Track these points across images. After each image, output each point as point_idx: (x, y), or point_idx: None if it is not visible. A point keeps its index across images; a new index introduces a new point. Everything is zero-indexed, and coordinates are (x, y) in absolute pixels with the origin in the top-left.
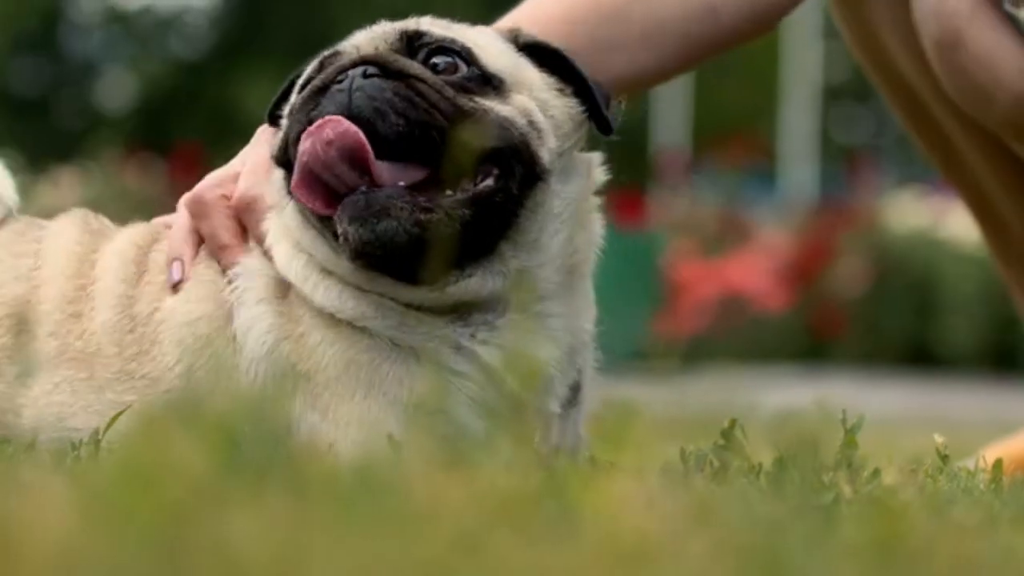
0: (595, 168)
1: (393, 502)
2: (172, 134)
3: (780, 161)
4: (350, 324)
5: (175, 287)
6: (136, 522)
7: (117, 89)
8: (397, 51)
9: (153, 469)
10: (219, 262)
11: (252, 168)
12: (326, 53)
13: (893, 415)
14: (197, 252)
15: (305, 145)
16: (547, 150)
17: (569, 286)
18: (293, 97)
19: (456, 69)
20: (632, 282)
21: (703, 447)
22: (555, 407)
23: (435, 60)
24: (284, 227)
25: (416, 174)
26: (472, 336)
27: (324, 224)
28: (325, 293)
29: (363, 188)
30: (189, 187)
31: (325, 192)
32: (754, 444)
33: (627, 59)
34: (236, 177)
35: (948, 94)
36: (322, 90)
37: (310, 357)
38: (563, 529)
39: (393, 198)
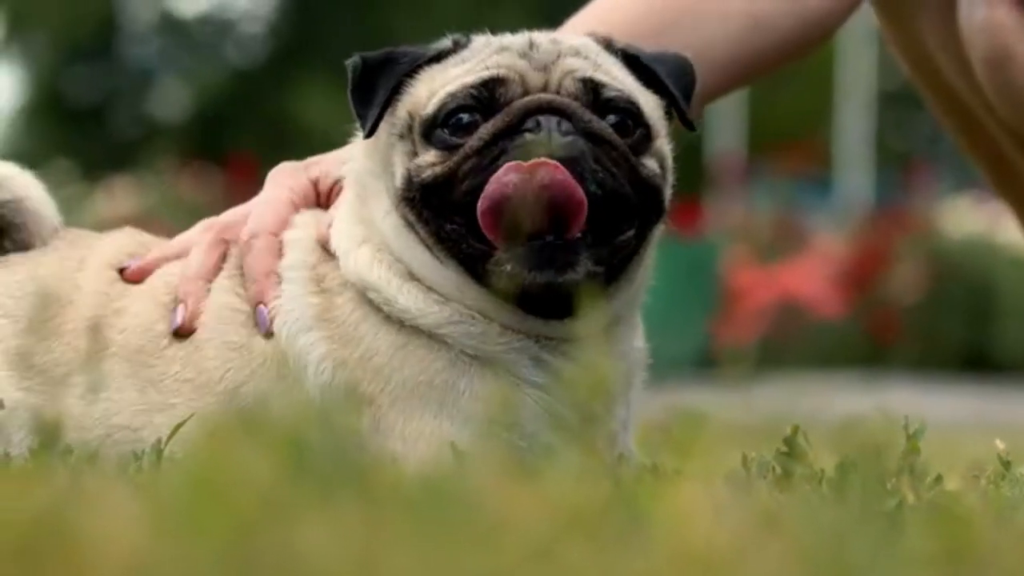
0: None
1: (464, 512)
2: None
3: (836, 167)
4: (425, 340)
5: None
6: (206, 533)
7: (173, 98)
8: (586, 105)
9: (221, 480)
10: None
11: (260, 211)
12: (486, 74)
13: (951, 421)
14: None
15: (511, 178)
16: (668, 192)
17: (630, 313)
18: (427, 96)
19: (629, 130)
20: (689, 290)
21: (765, 454)
22: (616, 425)
23: (614, 119)
24: (367, 229)
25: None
26: (554, 350)
27: (438, 237)
28: (408, 297)
29: (550, 237)
30: (246, 197)
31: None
32: (816, 450)
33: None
34: (245, 217)
35: (998, 110)
36: (507, 132)
37: (373, 380)
38: (633, 537)
39: (578, 252)
